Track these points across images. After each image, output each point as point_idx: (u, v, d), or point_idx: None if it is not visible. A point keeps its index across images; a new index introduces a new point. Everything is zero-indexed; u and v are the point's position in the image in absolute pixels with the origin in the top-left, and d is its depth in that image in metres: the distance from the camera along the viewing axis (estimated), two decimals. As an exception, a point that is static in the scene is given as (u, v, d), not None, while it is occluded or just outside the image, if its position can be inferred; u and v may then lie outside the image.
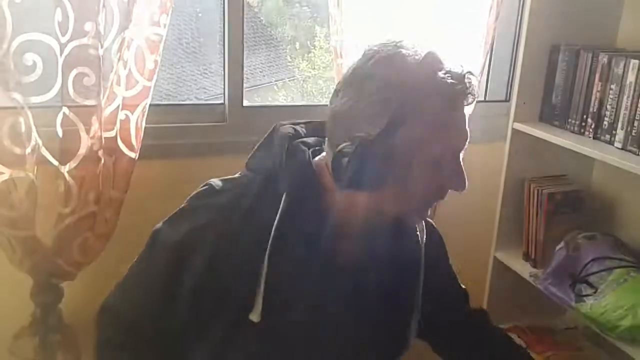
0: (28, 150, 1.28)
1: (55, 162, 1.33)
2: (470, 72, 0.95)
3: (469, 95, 0.94)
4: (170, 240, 1.00)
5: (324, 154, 1.03)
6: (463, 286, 1.33)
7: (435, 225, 1.24)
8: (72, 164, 1.32)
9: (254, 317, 0.97)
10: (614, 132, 1.49)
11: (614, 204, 1.76)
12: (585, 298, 1.47)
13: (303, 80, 3.03)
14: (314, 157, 1.04)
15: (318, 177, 1.01)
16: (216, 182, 1.04)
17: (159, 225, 1.04)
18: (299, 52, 2.85)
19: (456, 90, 0.92)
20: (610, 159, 1.43)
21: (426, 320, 1.16)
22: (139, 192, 1.51)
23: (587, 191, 1.77)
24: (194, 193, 1.05)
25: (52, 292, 1.43)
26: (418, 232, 1.12)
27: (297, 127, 1.08)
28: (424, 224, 1.12)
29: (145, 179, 1.55)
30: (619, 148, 1.48)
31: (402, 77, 0.92)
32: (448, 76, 0.92)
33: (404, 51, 0.94)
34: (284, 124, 1.07)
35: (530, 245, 1.74)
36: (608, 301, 1.41)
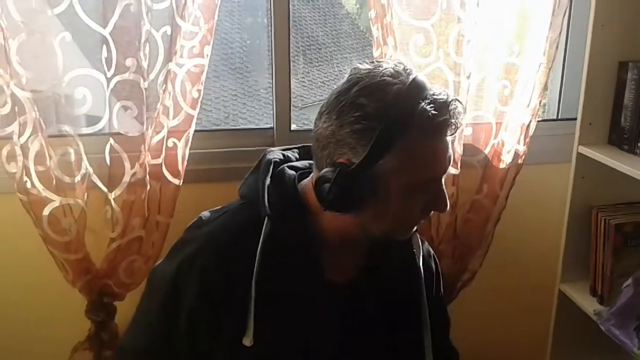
0: (78, 178, 1.37)
1: (105, 189, 1.41)
2: (456, 100, 0.96)
3: (451, 126, 0.96)
4: (165, 274, 1.04)
5: (312, 175, 1.05)
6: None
7: (432, 253, 1.24)
8: (117, 191, 1.40)
9: (246, 341, 1.00)
10: (687, 159, 1.34)
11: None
12: (649, 344, 1.33)
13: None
14: (302, 180, 1.07)
15: (304, 199, 1.04)
16: (205, 213, 1.10)
17: (158, 262, 1.09)
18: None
19: (437, 122, 0.94)
20: (681, 190, 1.29)
21: None
22: (188, 215, 1.55)
23: (664, 221, 1.60)
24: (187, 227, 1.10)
25: (104, 310, 1.51)
26: (414, 250, 1.12)
27: (288, 152, 1.12)
28: (420, 245, 1.13)
29: (194, 202, 1.58)
30: (693, 177, 1.33)
31: (384, 107, 0.93)
32: (431, 107, 0.93)
33: (387, 79, 0.95)
34: (272, 150, 1.12)
35: (597, 279, 1.59)
36: (674, 349, 1.27)
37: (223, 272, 1.00)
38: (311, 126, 1.03)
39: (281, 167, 1.09)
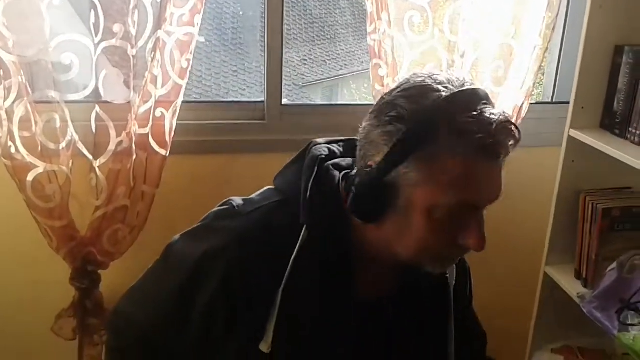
0: (63, 145, 1.36)
1: (90, 156, 1.40)
2: (508, 122, 0.83)
3: (495, 148, 0.83)
4: (186, 259, 0.98)
5: None
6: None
7: (468, 267, 1.15)
8: (102, 159, 1.39)
9: (264, 347, 0.94)
10: (678, 145, 1.33)
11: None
12: (630, 327, 1.33)
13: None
14: (346, 181, 0.97)
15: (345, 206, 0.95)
16: (237, 201, 1.00)
17: (177, 238, 1.02)
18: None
19: (474, 140, 0.82)
20: (669, 176, 1.28)
21: None
22: (174, 186, 1.56)
23: (652, 207, 1.60)
24: (214, 210, 1.02)
25: (88, 278, 1.50)
26: (447, 275, 1.04)
27: (333, 146, 1.02)
28: (454, 266, 1.04)
29: (183, 174, 1.59)
30: (683, 164, 1.32)
31: (418, 110, 0.85)
32: (471, 119, 0.82)
33: (434, 85, 0.86)
34: (319, 143, 1.01)
35: (582, 263, 1.60)
36: (653, 334, 1.27)
37: (249, 273, 0.94)
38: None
39: (326, 165, 0.98)
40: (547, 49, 1.63)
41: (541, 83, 2.07)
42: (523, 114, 1.65)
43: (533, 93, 1.72)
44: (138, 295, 1.07)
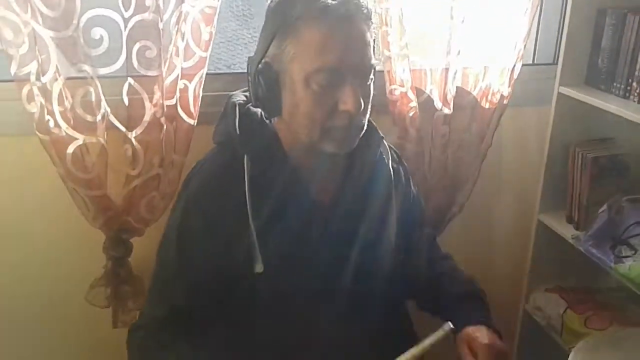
0: (98, 117, 1.41)
1: (123, 129, 1.45)
2: None
3: (343, 14, 1.00)
4: (169, 233, 1.20)
5: None
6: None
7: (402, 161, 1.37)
8: (137, 130, 1.44)
9: (258, 269, 1.08)
10: (659, 96, 1.50)
11: (660, 168, 1.76)
12: (624, 259, 1.50)
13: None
14: None
15: (275, 131, 1.13)
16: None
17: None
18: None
19: (321, 7, 1.00)
20: (655, 124, 1.45)
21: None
22: (199, 155, 1.62)
23: (634, 155, 1.77)
24: None
25: (122, 247, 1.56)
26: (384, 156, 1.23)
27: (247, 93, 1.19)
28: (388, 150, 1.25)
29: (206, 143, 1.65)
30: (664, 112, 1.48)
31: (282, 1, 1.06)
32: None
33: None
34: (235, 94, 1.19)
35: (573, 208, 1.76)
36: (647, 262, 1.45)
37: (213, 223, 1.10)
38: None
39: (245, 107, 1.17)
40: (535, 11, 1.75)
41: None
42: (515, 74, 1.78)
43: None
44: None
